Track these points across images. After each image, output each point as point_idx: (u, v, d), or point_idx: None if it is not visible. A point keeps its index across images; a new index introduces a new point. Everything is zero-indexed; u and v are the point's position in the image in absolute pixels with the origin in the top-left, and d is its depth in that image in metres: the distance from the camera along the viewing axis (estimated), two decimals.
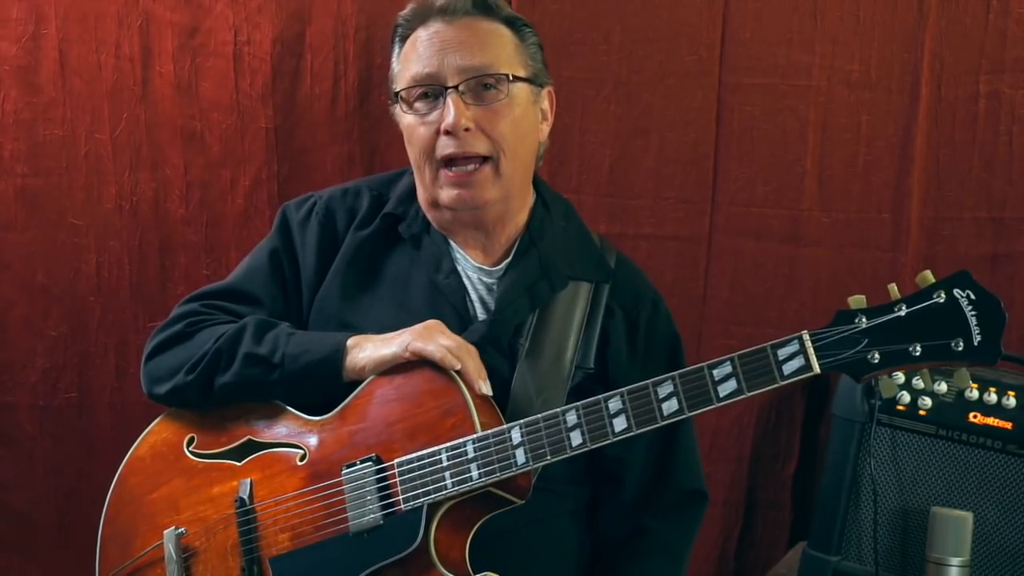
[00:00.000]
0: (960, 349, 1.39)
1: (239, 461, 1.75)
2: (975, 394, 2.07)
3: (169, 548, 1.75)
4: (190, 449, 1.81)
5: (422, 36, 1.73)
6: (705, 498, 1.87)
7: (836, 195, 2.46)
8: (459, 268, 1.78)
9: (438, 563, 1.57)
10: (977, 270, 2.39)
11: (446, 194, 1.72)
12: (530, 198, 1.83)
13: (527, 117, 1.75)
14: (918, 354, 1.40)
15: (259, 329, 1.74)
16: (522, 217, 1.81)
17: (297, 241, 1.86)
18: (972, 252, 2.43)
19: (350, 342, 1.68)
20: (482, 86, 1.70)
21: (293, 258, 1.85)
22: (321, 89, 2.52)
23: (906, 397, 2.11)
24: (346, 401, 1.70)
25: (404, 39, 1.77)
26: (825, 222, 2.47)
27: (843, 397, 2.18)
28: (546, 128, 1.82)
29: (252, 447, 1.76)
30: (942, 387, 2.10)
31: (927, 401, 2.10)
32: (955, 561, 1.99)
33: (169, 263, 2.59)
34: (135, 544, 1.80)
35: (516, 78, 1.72)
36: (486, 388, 1.61)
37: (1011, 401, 2.05)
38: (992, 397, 2.06)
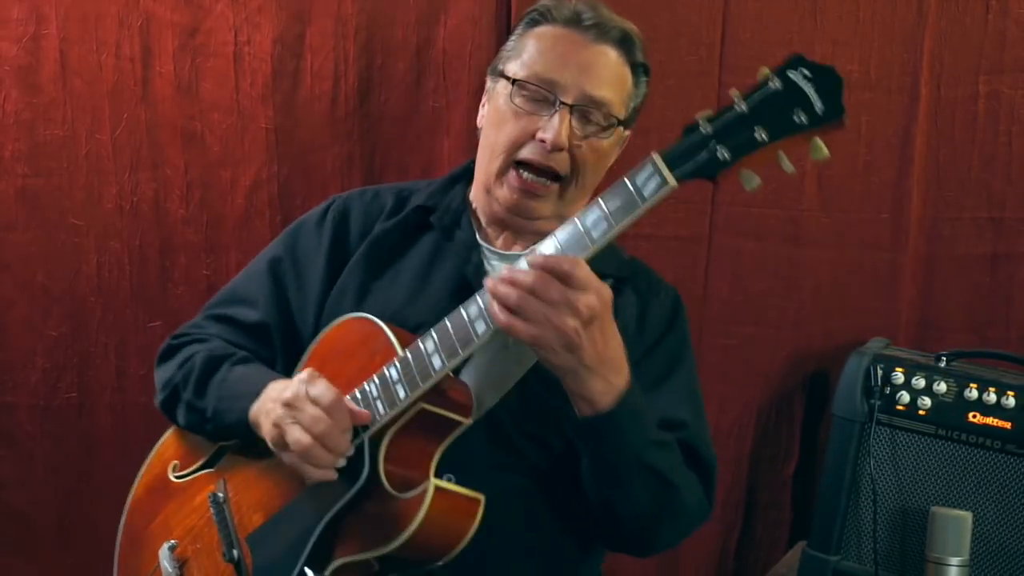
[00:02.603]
0: (804, 120, 1.39)
1: (213, 467, 1.79)
2: (974, 394, 2.07)
3: (164, 564, 1.79)
4: (174, 474, 1.86)
5: (559, 37, 1.71)
6: (686, 427, 1.75)
7: (836, 195, 2.46)
8: (486, 263, 1.78)
9: (388, 487, 1.57)
10: (977, 270, 2.44)
11: (505, 194, 1.72)
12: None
13: (608, 155, 1.77)
14: (765, 138, 1.40)
15: (203, 373, 1.78)
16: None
17: (309, 245, 1.86)
18: (972, 252, 2.43)
19: (252, 412, 1.69)
20: (591, 118, 1.70)
21: (297, 265, 1.86)
22: (321, 89, 2.52)
23: (905, 397, 2.12)
24: (293, 376, 1.73)
25: (538, 23, 1.75)
26: (825, 222, 2.47)
27: (843, 397, 2.18)
28: (613, 157, 1.82)
29: (223, 451, 1.81)
30: (942, 387, 2.10)
31: (927, 401, 2.10)
32: (954, 561, 1.99)
33: (169, 263, 2.59)
34: (140, 574, 1.86)
35: (621, 122, 1.74)
36: (340, 462, 1.60)
37: (1010, 401, 2.05)
38: (991, 397, 2.06)
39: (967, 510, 2.03)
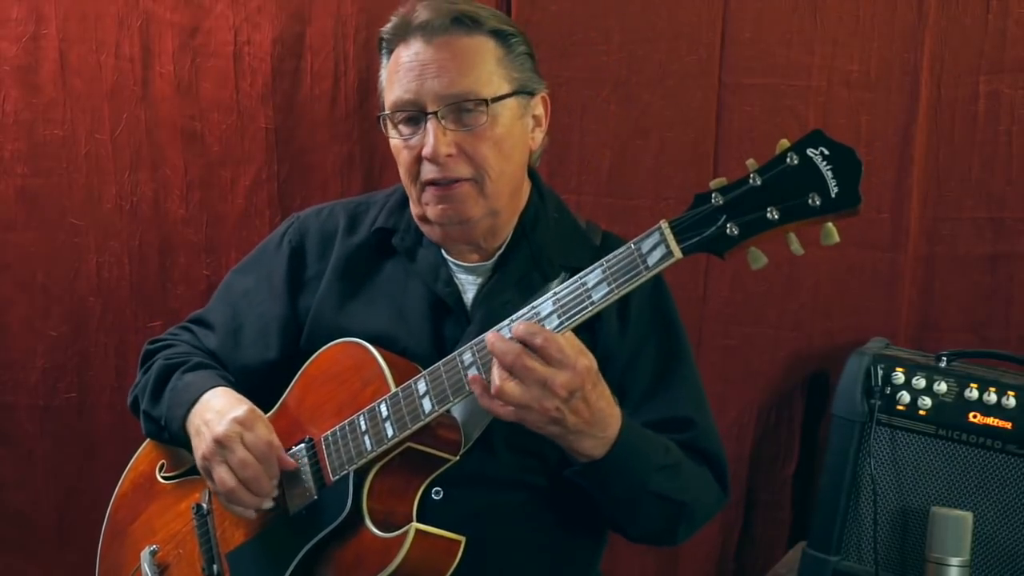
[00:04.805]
0: (818, 204, 1.35)
1: (200, 474, 1.78)
2: (975, 394, 2.07)
3: (145, 567, 1.81)
4: (161, 475, 1.88)
5: (403, 56, 1.69)
6: (693, 425, 1.77)
7: None
8: (454, 276, 1.77)
9: (370, 525, 1.58)
10: (977, 270, 2.44)
11: (432, 210, 1.71)
12: (523, 198, 1.81)
13: (512, 134, 1.71)
14: (776, 218, 1.37)
15: (158, 383, 1.82)
16: (513, 222, 1.79)
17: (268, 271, 1.88)
18: (972, 252, 2.43)
19: (187, 422, 1.73)
20: (462, 110, 1.66)
21: (260, 295, 1.87)
22: (321, 89, 2.52)
23: (906, 397, 2.12)
24: (284, 395, 1.76)
25: (388, 53, 1.74)
26: None
27: (843, 397, 2.18)
28: (539, 134, 1.79)
29: None
30: (942, 387, 2.10)
31: (927, 401, 2.10)
32: (955, 561, 1.99)
33: (169, 263, 2.59)
34: (122, 573, 1.88)
35: (498, 98, 1.68)
36: (265, 504, 1.65)
37: (1011, 401, 2.05)
38: (992, 397, 2.06)
39: (967, 510, 2.03)
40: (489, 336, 1.49)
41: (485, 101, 1.66)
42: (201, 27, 2.51)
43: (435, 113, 1.65)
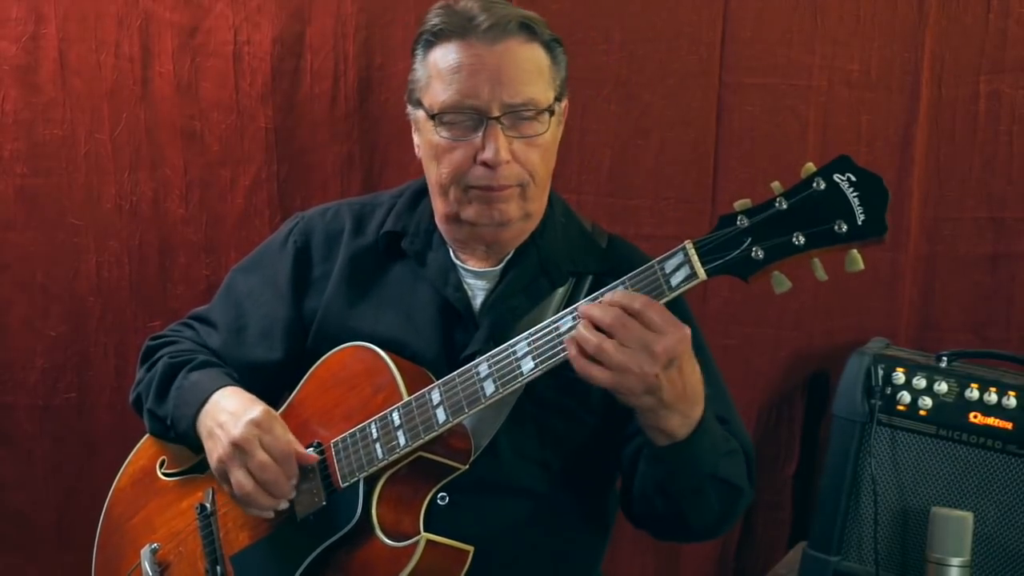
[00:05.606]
0: (844, 231, 1.35)
1: (203, 472, 1.78)
2: (975, 394, 2.07)
3: (145, 565, 1.80)
4: (162, 471, 1.87)
5: (457, 56, 1.63)
6: (727, 423, 1.75)
7: None
8: (463, 281, 1.76)
9: (380, 533, 1.57)
10: (978, 270, 2.44)
11: (472, 210, 1.68)
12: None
13: (555, 140, 1.71)
14: (802, 243, 1.37)
15: (163, 381, 1.81)
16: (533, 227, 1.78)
17: (272, 272, 1.87)
18: (972, 252, 2.42)
19: (197, 423, 1.72)
20: (521, 117, 1.64)
21: (263, 296, 1.87)
22: (321, 89, 2.52)
23: (906, 397, 2.12)
24: (291, 397, 1.75)
25: (432, 45, 1.68)
26: None
27: (843, 397, 2.18)
28: (559, 135, 1.78)
29: None
30: (942, 387, 2.10)
31: (927, 401, 2.10)
32: (955, 561, 1.99)
33: (169, 263, 2.59)
34: (120, 569, 1.87)
35: (551, 107, 1.67)
36: (282, 504, 1.64)
37: (1011, 401, 2.05)
38: (992, 397, 2.06)
39: (968, 510, 2.02)
40: (582, 308, 1.45)
41: (544, 111, 1.65)
42: (201, 27, 2.51)
43: (497, 119, 1.62)
